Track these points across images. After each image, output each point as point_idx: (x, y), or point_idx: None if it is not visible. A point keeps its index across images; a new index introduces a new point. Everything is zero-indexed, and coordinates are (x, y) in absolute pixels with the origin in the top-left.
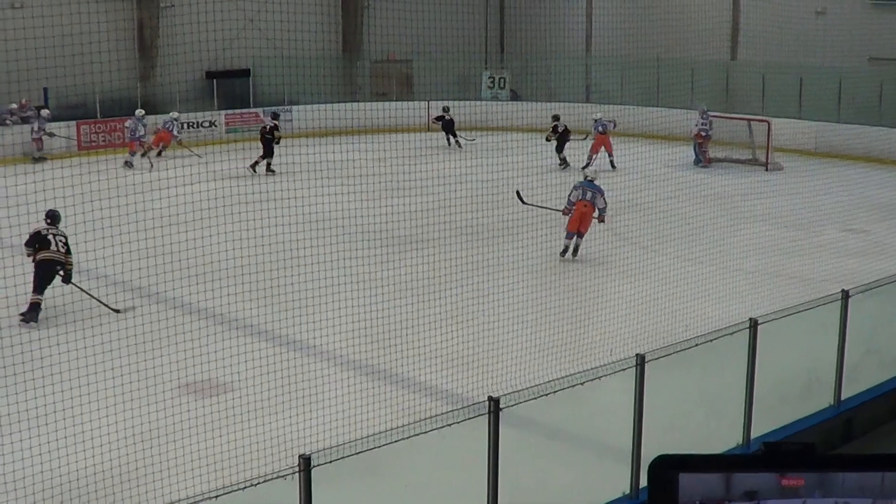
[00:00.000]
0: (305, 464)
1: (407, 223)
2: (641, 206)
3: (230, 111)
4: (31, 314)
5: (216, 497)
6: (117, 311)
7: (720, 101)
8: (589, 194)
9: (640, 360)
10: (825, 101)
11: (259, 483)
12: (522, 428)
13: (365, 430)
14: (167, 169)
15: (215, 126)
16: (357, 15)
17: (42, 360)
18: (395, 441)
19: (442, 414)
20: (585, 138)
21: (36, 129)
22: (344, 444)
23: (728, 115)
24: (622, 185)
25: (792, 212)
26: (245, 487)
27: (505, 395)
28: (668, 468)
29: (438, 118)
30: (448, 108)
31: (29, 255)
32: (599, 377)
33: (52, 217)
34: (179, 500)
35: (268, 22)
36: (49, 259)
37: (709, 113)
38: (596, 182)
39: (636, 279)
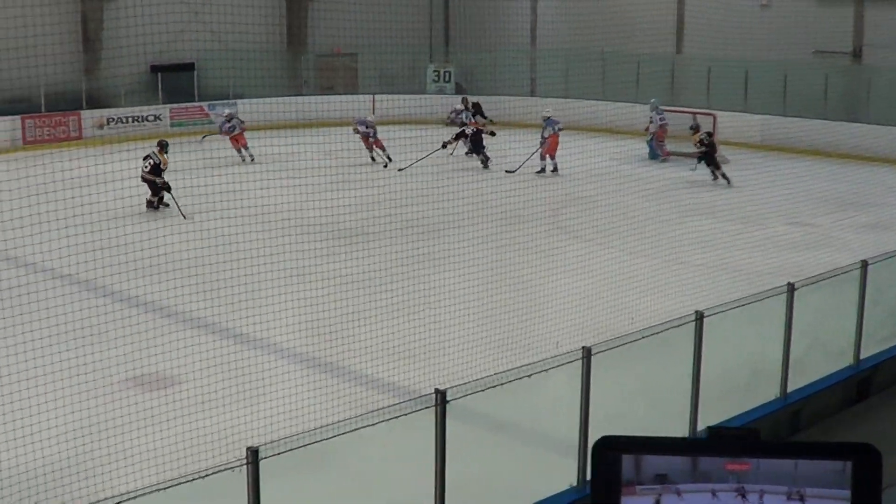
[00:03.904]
0: (253, 456)
1: (353, 216)
2: (586, 200)
3: (175, 105)
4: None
5: (165, 489)
6: (185, 217)
7: (666, 95)
8: (556, 127)
9: (587, 353)
10: (771, 94)
11: (208, 475)
12: (470, 420)
13: (312, 422)
14: (113, 162)
15: (160, 120)
16: (302, 9)
17: None
18: (343, 433)
19: (389, 406)
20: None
21: None
22: (291, 436)
23: (674, 108)
24: (566, 179)
25: (737, 205)
26: (194, 479)
27: (452, 387)
28: (611, 449)
29: (459, 136)
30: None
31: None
32: (546, 370)
33: (159, 145)
34: (128, 493)
35: (213, 15)
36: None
37: (660, 108)
38: (552, 117)
39: (582, 273)
